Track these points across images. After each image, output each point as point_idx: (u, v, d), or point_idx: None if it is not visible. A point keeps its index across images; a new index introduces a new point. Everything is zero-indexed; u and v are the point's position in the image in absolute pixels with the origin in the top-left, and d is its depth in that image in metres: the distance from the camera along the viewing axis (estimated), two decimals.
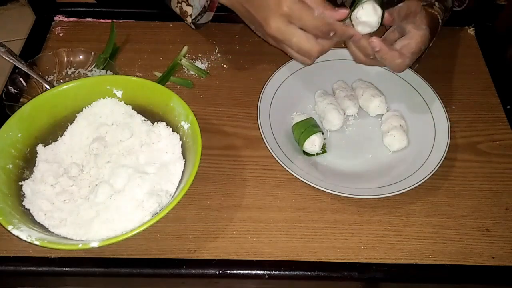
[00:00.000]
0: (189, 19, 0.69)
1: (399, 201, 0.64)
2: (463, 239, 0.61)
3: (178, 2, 0.68)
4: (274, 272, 0.58)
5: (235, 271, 0.59)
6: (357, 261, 0.59)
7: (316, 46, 0.60)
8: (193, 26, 0.71)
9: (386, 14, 0.60)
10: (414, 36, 0.64)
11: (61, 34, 0.84)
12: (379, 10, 0.60)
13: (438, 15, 0.70)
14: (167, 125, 0.66)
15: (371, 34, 0.62)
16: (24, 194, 0.60)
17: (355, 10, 0.60)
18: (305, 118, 0.69)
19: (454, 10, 0.79)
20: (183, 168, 0.63)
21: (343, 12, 0.60)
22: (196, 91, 0.77)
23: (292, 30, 0.59)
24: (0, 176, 0.59)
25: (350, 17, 0.61)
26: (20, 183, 0.61)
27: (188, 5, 0.67)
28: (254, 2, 0.61)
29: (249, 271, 0.59)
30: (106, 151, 0.64)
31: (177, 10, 0.70)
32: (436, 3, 0.71)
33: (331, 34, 0.60)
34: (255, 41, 0.83)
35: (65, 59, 0.77)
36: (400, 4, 0.64)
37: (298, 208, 0.64)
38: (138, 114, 0.68)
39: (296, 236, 0.61)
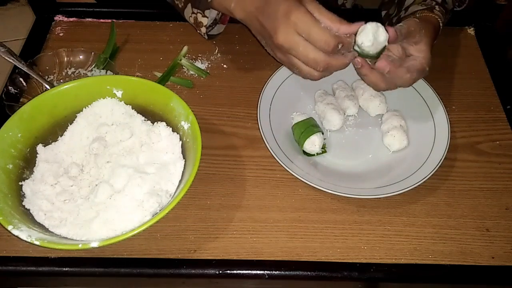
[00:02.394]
0: (203, 30, 0.70)
1: (399, 201, 0.64)
2: (463, 239, 0.61)
3: (193, 13, 0.69)
4: (274, 272, 0.59)
5: (235, 271, 0.59)
6: (357, 261, 0.59)
7: (322, 56, 0.60)
8: (206, 37, 0.72)
9: (391, 31, 0.60)
10: (417, 58, 0.65)
11: (61, 34, 0.84)
12: (382, 31, 0.59)
13: (438, 19, 0.70)
14: (167, 125, 0.66)
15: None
16: (24, 194, 0.60)
17: (359, 34, 0.60)
18: (305, 118, 0.69)
19: (454, 10, 0.79)
20: (183, 168, 0.63)
21: (358, 24, 0.60)
22: (196, 91, 0.77)
23: (299, 39, 0.60)
24: (0, 176, 0.59)
25: (356, 44, 0.61)
26: (20, 183, 0.61)
27: (204, 16, 0.68)
28: (265, 13, 0.62)
29: (249, 271, 0.59)
30: (106, 151, 0.64)
31: (191, 20, 0.71)
32: (436, 7, 0.71)
33: (339, 46, 0.60)
34: (255, 41, 0.82)
35: (65, 59, 0.77)
36: (400, 24, 0.64)
37: (298, 208, 0.64)
38: (138, 114, 0.68)
39: (296, 236, 0.61)
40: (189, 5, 0.69)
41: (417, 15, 0.70)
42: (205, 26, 0.69)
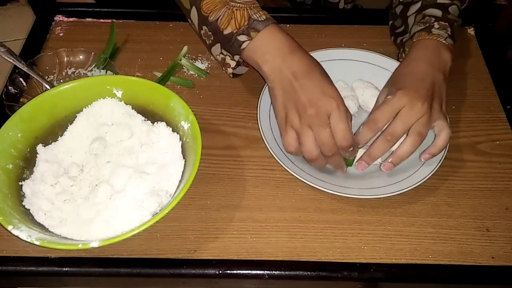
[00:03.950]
0: (230, 70, 0.71)
1: (399, 201, 0.64)
2: (463, 239, 0.61)
3: (222, 54, 0.69)
4: (274, 272, 0.58)
5: (235, 271, 0.59)
6: (357, 261, 0.59)
7: (335, 146, 0.62)
8: (231, 76, 0.73)
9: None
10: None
11: (61, 34, 0.84)
12: None
13: (437, 39, 0.69)
14: (167, 125, 0.66)
15: None
16: (24, 194, 0.60)
17: None
18: None
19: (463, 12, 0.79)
20: (183, 168, 0.63)
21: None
22: (196, 91, 0.77)
23: (328, 122, 0.61)
24: (0, 176, 0.59)
25: None
26: (20, 183, 0.61)
27: (232, 59, 0.69)
28: (305, 85, 0.62)
29: (249, 271, 0.59)
30: (106, 151, 0.64)
31: (218, 58, 0.71)
32: (435, 24, 0.71)
33: (350, 148, 0.62)
34: None
35: (65, 59, 0.77)
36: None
37: (298, 208, 0.64)
38: (138, 114, 0.68)
39: (296, 236, 0.61)
40: (218, 45, 0.69)
41: (414, 39, 0.70)
42: (232, 67, 0.70)
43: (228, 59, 0.70)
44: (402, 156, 0.64)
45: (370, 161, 0.65)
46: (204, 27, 0.70)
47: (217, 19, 0.67)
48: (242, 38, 0.65)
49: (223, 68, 0.72)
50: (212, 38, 0.70)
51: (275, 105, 0.65)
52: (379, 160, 0.67)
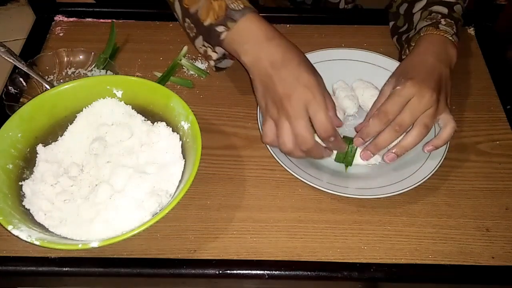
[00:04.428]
0: (212, 63, 0.71)
1: (399, 201, 0.64)
2: (463, 239, 0.61)
3: (204, 46, 0.69)
4: (274, 272, 0.59)
5: (235, 271, 0.59)
6: (357, 261, 0.59)
7: (312, 141, 0.60)
8: (214, 69, 0.72)
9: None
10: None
11: (61, 34, 0.84)
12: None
13: (445, 35, 0.69)
14: (167, 125, 0.66)
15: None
16: (24, 194, 0.60)
17: None
18: None
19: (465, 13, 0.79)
20: (183, 168, 0.63)
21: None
22: (196, 91, 0.77)
23: (305, 114, 0.60)
24: (0, 176, 0.59)
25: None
26: (20, 183, 0.61)
27: (214, 51, 0.68)
28: (281, 75, 0.61)
29: (249, 271, 0.59)
30: (106, 151, 0.64)
31: (201, 51, 0.71)
32: (442, 20, 0.70)
33: (332, 139, 0.61)
34: None
35: (65, 59, 0.77)
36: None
37: (298, 208, 0.64)
38: (138, 114, 0.68)
39: (296, 236, 0.61)
40: (201, 37, 0.69)
41: (422, 34, 0.70)
42: (214, 60, 0.70)
43: (209, 51, 0.69)
44: (407, 147, 0.63)
45: (375, 151, 0.64)
46: (187, 20, 0.69)
47: (197, 11, 0.66)
48: (220, 29, 0.64)
49: (207, 61, 0.71)
50: (195, 31, 0.69)
51: (256, 96, 0.65)
52: (379, 159, 0.67)
